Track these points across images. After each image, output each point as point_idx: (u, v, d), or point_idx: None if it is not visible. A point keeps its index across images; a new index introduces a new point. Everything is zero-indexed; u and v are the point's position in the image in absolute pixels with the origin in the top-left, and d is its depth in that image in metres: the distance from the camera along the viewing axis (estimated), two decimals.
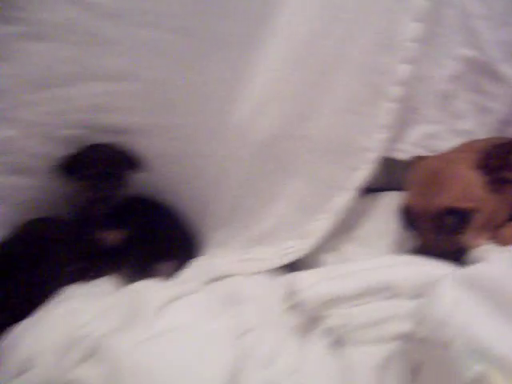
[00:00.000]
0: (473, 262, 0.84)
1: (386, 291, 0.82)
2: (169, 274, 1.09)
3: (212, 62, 1.07)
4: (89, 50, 1.01)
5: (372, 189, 1.15)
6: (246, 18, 1.05)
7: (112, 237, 1.10)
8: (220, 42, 1.06)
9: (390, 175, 1.18)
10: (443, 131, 1.18)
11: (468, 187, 0.91)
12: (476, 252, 0.91)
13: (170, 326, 0.81)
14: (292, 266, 1.09)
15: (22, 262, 0.99)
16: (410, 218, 0.98)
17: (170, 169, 1.16)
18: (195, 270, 1.08)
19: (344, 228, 1.10)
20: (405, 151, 1.14)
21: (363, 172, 1.05)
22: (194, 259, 1.14)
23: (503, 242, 0.93)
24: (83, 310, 0.92)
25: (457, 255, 0.89)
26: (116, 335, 0.81)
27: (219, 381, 0.71)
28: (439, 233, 0.92)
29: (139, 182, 1.12)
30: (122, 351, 0.75)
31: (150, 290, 0.92)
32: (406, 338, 0.75)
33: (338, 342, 0.82)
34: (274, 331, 0.87)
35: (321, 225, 1.07)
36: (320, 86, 1.06)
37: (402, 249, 1.02)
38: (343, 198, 1.06)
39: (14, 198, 1.08)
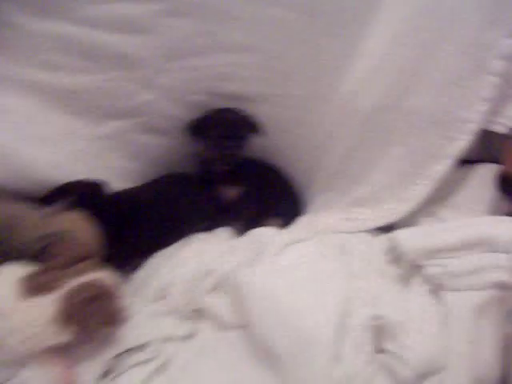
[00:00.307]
0: None
1: (483, 245, 0.90)
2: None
3: (326, 37, 1.17)
4: (219, 25, 1.14)
5: (469, 161, 1.21)
6: None
7: (231, 192, 1.24)
8: (334, 18, 1.16)
9: (487, 148, 1.24)
10: None
11: None
12: None
13: (291, 263, 0.94)
14: (389, 228, 1.19)
15: (152, 209, 1.14)
16: (508, 185, 1.05)
17: (282, 135, 1.28)
18: (302, 224, 1.21)
19: (441, 195, 1.18)
20: (503, 124, 1.19)
21: (462, 142, 1.12)
22: (299, 217, 1.27)
23: None
24: (209, 250, 1.07)
25: None
26: (243, 269, 0.95)
27: (334, 310, 0.83)
28: None
29: (254, 145, 1.25)
30: (250, 281, 0.88)
31: (270, 234, 1.05)
32: (502, 286, 0.83)
33: (437, 289, 0.92)
34: (378, 279, 0.98)
35: (420, 190, 1.15)
36: (424, 61, 1.14)
37: (496, 215, 1.09)
38: (442, 166, 1.14)
39: (147, 155, 1.25)
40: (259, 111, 1.23)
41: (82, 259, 0.91)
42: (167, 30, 1.13)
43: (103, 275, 0.89)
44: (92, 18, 1.09)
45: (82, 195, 1.07)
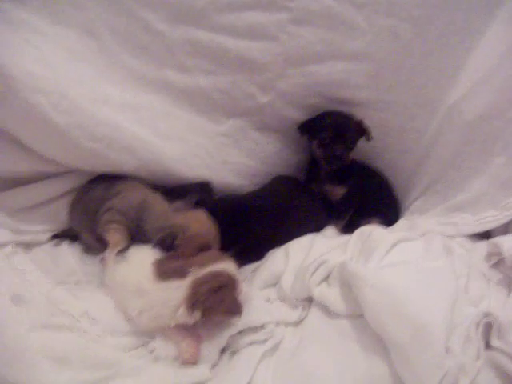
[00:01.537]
0: None
1: None
2: None
3: (437, 47, 1.23)
4: (339, 34, 1.22)
5: None
6: (466, 9, 1.20)
7: (335, 192, 1.33)
8: (446, 30, 1.22)
9: None
10: None
11: None
12: None
13: (401, 259, 1.00)
14: (485, 235, 1.23)
15: (266, 213, 1.23)
16: None
17: (387, 140, 1.35)
18: (404, 225, 1.27)
19: None
20: None
21: None
22: (399, 219, 1.34)
23: None
24: (319, 245, 1.16)
25: None
26: (355, 262, 1.03)
27: (444, 304, 0.88)
28: None
29: (360, 148, 1.33)
30: (363, 274, 0.95)
31: (378, 232, 1.12)
32: None
33: None
34: (480, 281, 1.03)
35: None
36: None
37: None
38: None
39: (261, 152, 1.36)
40: (367, 116, 1.30)
41: (205, 251, 1.01)
42: (290, 38, 1.22)
43: (227, 266, 0.97)
44: (221, 25, 1.19)
45: (204, 196, 1.20)
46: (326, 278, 1.04)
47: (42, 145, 1.11)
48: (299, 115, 1.32)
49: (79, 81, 1.10)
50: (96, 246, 1.12)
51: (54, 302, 0.96)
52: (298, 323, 1.01)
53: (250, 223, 1.20)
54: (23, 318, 0.89)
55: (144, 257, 1.01)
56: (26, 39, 1.05)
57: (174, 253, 1.00)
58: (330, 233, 1.26)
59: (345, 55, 1.24)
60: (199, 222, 1.09)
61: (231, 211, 1.19)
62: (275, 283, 1.11)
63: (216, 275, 0.93)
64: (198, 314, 0.90)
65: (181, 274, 0.93)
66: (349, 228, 1.26)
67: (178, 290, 0.91)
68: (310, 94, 1.29)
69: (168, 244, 1.04)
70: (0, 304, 0.90)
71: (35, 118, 1.03)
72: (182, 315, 0.91)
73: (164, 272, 0.94)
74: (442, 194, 1.30)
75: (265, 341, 0.95)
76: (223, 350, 0.95)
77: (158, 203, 1.13)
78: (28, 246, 1.15)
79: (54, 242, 1.18)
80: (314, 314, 1.01)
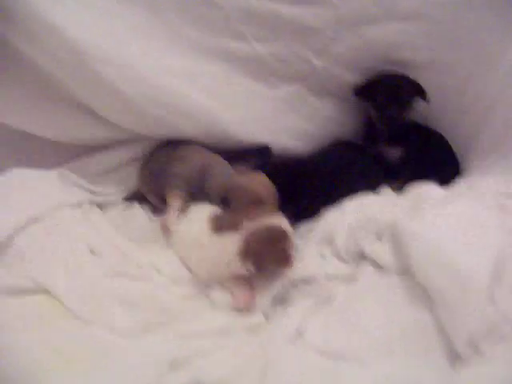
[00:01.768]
0: None
1: None
2: None
3: (497, 2, 1.20)
4: None
5: None
6: None
7: (392, 153, 1.34)
8: None
9: None
10: None
11: None
12: None
13: (450, 213, 1.01)
14: None
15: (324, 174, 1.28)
16: None
17: (446, 101, 1.34)
18: (461, 185, 1.27)
19: None
20: None
21: None
22: (458, 180, 1.33)
23: None
24: (371, 203, 1.18)
25: None
26: (404, 219, 1.05)
27: (490, 256, 0.88)
28: None
29: (418, 110, 1.33)
30: (411, 229, 0.97)
31: (429, 189, 1.13)
32: None
33: None
34: None
35: None
36: None
37: None
38: None
39: (318, 116, 1.39)
40: (425, 78, 1.30)
41: (260, 207, 1.07)
42: (343, 1, 1.23)
43: (280, 220, 1.02)
44: None
45: (263, 160, 1.26)
46: (378, 235, 1.07)
47: (113, 113, 1.21)
48: (355, 78, 1.34)
49: (143, 53, 1.18)
50: (161, 207, 1.22)
51: (125, 253, 1.07)
52: (349, 278, 1.05)
53: (308, 185, 1.24)
54: (98, 264, 1.01)
55: (203, 214, 1.08)
56: (95, 17, 1.14)
57: (230, 208, 1.07)
58: (385, 192, 1.27)
59: (399, 15, 1.24)
60: (258, 183, 1.15)
61: (289, 174, 1.25)
62: (330, 241, 1.15)
63: (268, 228, 0.99)
64: (250, 265, 0.97)
65: (235, 227, 0.99)
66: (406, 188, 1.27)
67: (231, 243, 0.98)
68: (366, 57, 1.31)
69: (228, 203, 1.11)
70: (78, 250, 1.02)
71: (105, 88, 1.13)
72: (236, 266, 0.98)
73: (219, 226, 1.01)
74: (502, 155, 1.28)
75: (316, 293, 1.00)
76: (276, 300, 1.01)
77: (219, 166, 1.20)
78: (101, 205, 1.27)
79: (126, 203, 1.29)
80: (366, 269, 1.04)
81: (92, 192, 1.27)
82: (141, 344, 0.89)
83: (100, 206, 1.26)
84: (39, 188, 1.18)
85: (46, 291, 0.95)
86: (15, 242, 1.03)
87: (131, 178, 1.32)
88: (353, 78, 1.34)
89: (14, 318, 0.90)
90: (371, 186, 1.29)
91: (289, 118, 1.37)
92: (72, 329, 0.90)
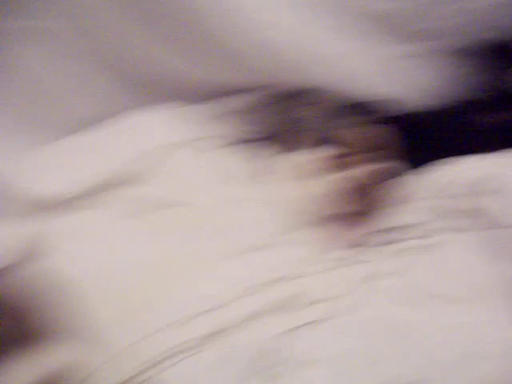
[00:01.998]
0: None
1: None
2: None
3: None
4: None
5: None
6: None
7: (490, 119, 1.28)
8: None
9: None
10: None
11: None
12: None
13: None
14: None
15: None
16: None
17: None
18: None
19: None
20: None
21: None
22: None
23: None
24: (488, 161, 1.15)
25: None
26: None
27: None
28: None
29: None
30: None
31: None
32: None
33: None
34: None
35: None
36: None
37: None
38: None
39: (443, 75, 1.36)
40: None
41: (373, 152, 1.10)
42: None
43: (391, 166, 1.06)
44: None
45: (382, 114, 1.26)
46: (494, 191, 1.05)
47: (251, 57, 1.27)
48: (490, 36, 1.29)
49: (262, 7, 1.24)
50: None
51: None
52: (459, 229, 1.04)
53: (427, 140, 1.24)
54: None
55: (322, 154, 1.14)
56: None
57: (346, 150, 1.11)
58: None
59: None
60: (373, 131, 1.18)
61: (408, 127, 1.24)
62: (443, 193, 1.14)
63: (379, 172, 1.04)
64: (357, 204, 1.01)
65: (349, 167, 1.06)
66: None
67: (344, 181, 1.05)
68: (502, 15, 1.25)
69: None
70: None
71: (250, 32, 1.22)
72: (345, 203, 1.03)
73: (334, 165, 1.08)
74: None
75: (421, 240, 1.01)
76: (376, 241, 1.03)
77: (345, 115, 1.24)
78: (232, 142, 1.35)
79: (252, 144, 1.37)
80: (477, 223, 1.02)
81: (222, 131, 1.37)
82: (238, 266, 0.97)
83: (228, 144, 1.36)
84: (173, 122, 1.30)
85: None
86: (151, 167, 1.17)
87: (260, 121, 1.40)
88: (487, 35, 1.29)
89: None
90: (492, 147, 1.25)
91: (413, 75, 1.35)
92: None
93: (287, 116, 1.29)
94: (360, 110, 1.28)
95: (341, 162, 1.07)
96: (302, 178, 1.10)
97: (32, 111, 1.24)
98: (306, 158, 1.14)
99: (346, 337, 0.79)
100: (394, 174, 1.05)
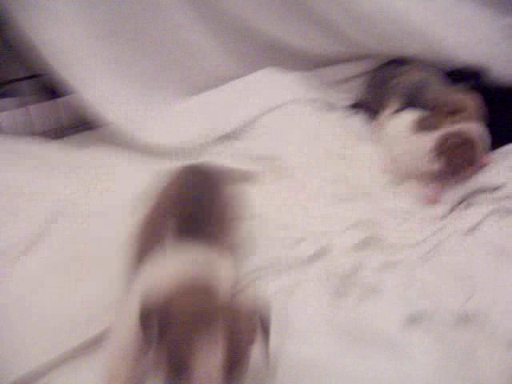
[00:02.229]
0: None
1: None
2: None
3: None
4: None
5: None
6: None
7: None
8: None
9: None
10: None
11: None
12: None
13: None
14: None
15: None
16: None
17: None
18: None
19: None
20: None
21: None
22: None
23: None
24: None
25: None
26: None
27: None
28: None
29: None
30: None
31: None
32: None
33: None
34: None
35: None
36: None
37: None
38: None
39: None
40: None
41: (462, 115, 1.17)
42: None
43: (476, 130, 1.13)
44: None
45: (480, 82, 1.34)
46: None
47: (350, 29, 1.42)
48: None
49: None
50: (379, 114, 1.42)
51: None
52: None
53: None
54: (318, 146, 1.31)
55: (409, 117, 1.25)
56: None
57: (431, 113, 1.21)
58: None
59: None
60: (465, 96, 1.22)
61: (500, 99, 1.30)
62: None
63: (463, 133, 1.11)
64: (441, 163, 1.12)
65: (432, 128, 1.15)
66: None
67: (428, 141, 1.15)
68: None
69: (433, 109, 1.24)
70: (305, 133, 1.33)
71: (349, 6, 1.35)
72: (429, 162, 1.14)
73: (419, 126, 1.19)
74: None
75: (501, 202, 1.08)
76: (459, 201, 1.14)
77: (436, 83, 1.34)
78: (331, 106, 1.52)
79: (349, 109, 1.52)
80: None
81: (323, 96, 1.52)
82: (339, 209, 1.13)
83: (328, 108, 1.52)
84: (283, 84, 1.48)
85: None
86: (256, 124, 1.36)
87: (357, 89, 1.53)
88: None
89: None
90: None
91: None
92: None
93: (386, 83, 1.41)
94: (457, 76, 1.36)
95: (433, 123, 1.17)
96: (397, 139, 1.22)
97: (175, 69, 1.47)
98: (401, 121, 1.25)
99: (417, 274, 0.93)
100: (476, 135, 1.12)
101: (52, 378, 0.73)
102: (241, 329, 0.57)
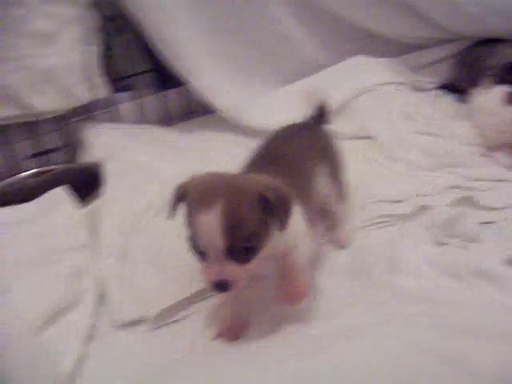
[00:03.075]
0: None
1: None
2: None
3: None
4: None
5: None
6: None
7: None
8: None
9: None
10: None
11: None
12: None
13: None
14: None
15: None
16: None
17: None
18: None
19: None
20: None
21: None
22: None
23: None
24: None
25: None
26: None
27: None
28: None
29: None
30: None
31: None
32: None
33: None
34: None
35: None
36: None
37: None
38: None
39: None
40: None
41: None
42: None
43: None
44: None
45: None
46: None
47: (436, 13, 1.51)
48: None
49: None
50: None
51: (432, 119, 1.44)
52: None
53: None
54: (411, 126, 1.43)
55: (499, 91, 1.31)
56: None
57: None
58: None
59: None
60: None
61: None
62: None
63: None
64: None
65: None
66: None
67: None
68: None
69: None
70: (394, 111, 1.44)
71: None
72: None
73: (510, 99, 1.26)
74: None
75: None
76: None
77: None
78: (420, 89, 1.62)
79: (437, 91, 1.62)
80: None
81: (411, 79, 1.62)
82: (433, 174, 1.23)
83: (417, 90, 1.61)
84: (372, 69, 1.60)
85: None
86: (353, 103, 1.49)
87: (444, 72, 1.62)
88: None
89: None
90: None
91: None
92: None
93: (479, 62, 1.48)
94: None
95: None
96: (489, 112, 1.31)
97: (274, 59, 1.62)
98: (493, 95, 1.33)
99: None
100: None
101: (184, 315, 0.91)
102: (240, 202, 0.69)
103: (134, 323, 0.91)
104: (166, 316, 0.90)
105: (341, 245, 1.02)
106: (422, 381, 0.68)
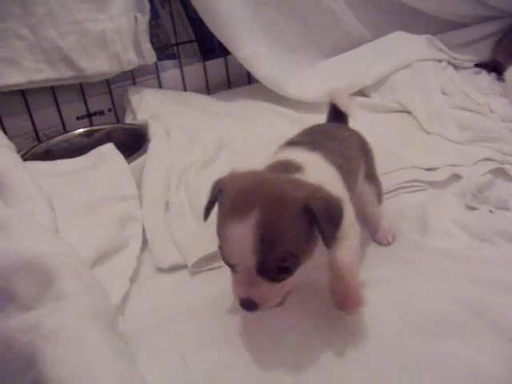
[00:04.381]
0: None
1: None
2: None
3: None
4: None
5: None
6: None
7: None
8: None
9: None
10: None
11: None
12: None
13: None
14: None
15: None
16: None
17: None
18: None
19: None
20: None
21: None
22: None
23: None
24: None
25: None
26: None
27: None
28: None
29: None
30: None
31: None
32: None
33: None
34: None
35: None
36: None
37: None
38: None
39: None
40: None
41: None
42: None
43: None
44: None
45: None
46: None
47: None
48: None
49: None
50: None
51: (468, 95, 1.45)
52: None
53: None
54: (446, 100, 1.43)
55: None
56: None
57: None
58: None
59: None
60: None
61: None
62: None
63: None
64: None
65: None
66: None
67: None
68: None
69: None
70: (431, 86, 1.47)
71: None
72: None
73: None
74: None
75: None
76: None
77: None
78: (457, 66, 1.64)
79: (476, 69, 1.64)
80: None
81: (450, 56, 1.64)
82: (468, 148, 1.26)
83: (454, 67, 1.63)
84: (412, 45, 1.62)
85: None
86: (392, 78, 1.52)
87: (482, 51, 1.63)
88: None
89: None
90: None
91: None
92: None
93: (510, 43, 1.50)
94: None
95: None
96: None
97: (316, 33, 1.66)
98: None
99: None
100: None
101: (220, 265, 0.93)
102: (279, 213, 0.59)
103: (173, 269, 0.96)
104: (204, 264, 0.95)
105: (386, 243, 0.96)
106: (448, 329, 0.72)
